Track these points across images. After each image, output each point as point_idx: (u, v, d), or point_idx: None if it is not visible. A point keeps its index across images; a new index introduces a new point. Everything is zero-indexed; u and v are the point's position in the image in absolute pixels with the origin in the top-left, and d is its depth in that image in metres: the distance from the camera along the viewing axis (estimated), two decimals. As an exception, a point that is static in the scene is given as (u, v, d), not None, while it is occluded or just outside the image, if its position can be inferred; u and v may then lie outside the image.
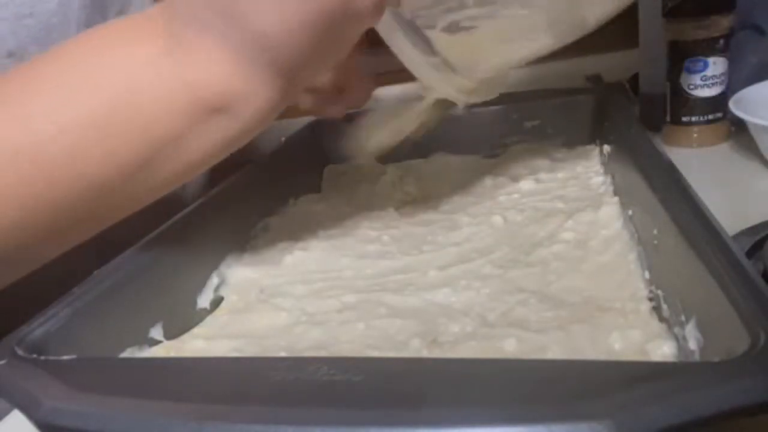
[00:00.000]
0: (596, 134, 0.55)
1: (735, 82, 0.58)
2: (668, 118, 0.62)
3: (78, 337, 0.31)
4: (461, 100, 0.42)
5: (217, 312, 0.40)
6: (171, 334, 0.36)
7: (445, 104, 0.45)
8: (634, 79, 0.67)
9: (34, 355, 0.28)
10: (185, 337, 0.37)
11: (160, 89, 0.30)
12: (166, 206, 0.55)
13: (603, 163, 0.51)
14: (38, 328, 0.30)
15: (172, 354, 0.35)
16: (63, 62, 0.31)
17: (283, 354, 0.34)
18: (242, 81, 0.30)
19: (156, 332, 0.36)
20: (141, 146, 0.31)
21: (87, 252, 0.41)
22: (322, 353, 0.33)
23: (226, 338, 0.36)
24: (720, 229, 0.28)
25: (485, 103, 0.59)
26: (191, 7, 0.29)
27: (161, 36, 0.30)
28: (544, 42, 0.40)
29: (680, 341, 0.29)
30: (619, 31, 0.72)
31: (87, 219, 0.33)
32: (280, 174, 0.54)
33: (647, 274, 0.35)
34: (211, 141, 0.32)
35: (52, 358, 0.28)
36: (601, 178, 0.49)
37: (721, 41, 0.57)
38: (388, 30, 0.38)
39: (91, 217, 0.33)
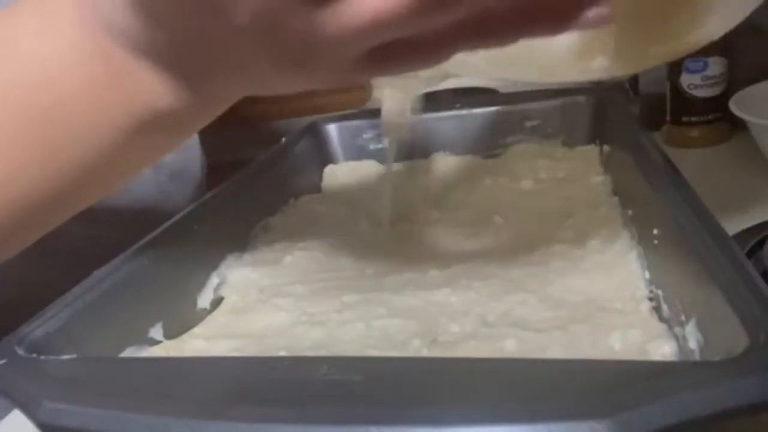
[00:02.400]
0: (596, 134, 0.55)
1: (735, 82, 0.58)
2: (668, 118, 0.62)
3: (78, 337, 0.31)
4: None
5: (217, 312, 0.40)
6: (171, 334, 0.36)
7: None
8: (634, 79, 0.67)
9: (34, 355, 0.28)
10: (185, 337, 0.37)
11: (92, 106, 0.28)
12: (163, 205, 0.55)
13: (603, 163, 0.51)
14: (38, 328, 0.30)
15: (172, 354, 0.35)
16: None
17: (283, 354, 0.34)
18: (170, 94, 0.28)
19: (156, 332, 0.36)
20: (73, 169, 0.29)
21: (86, 251, 0.41)
22: (322, 353, 0.33)
23: (226, 338, 0.36)
24: (720, 229, 0.28)
25: (485, 103, 0.59)
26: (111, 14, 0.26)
27: (79, 36, 0.27)
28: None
29: (680, 341, 0.29)
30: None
31: (21, 232, 0.32)
32: (280, 174, 0.54)
33: (647, 274, 0.35)
34: (145, 156, 0.31)
35: (52, 358, 0.28)
36: (601, 178, 0.48)
37: (721, 41, 0.57)
38: None
39: (26, 230, 0.32)
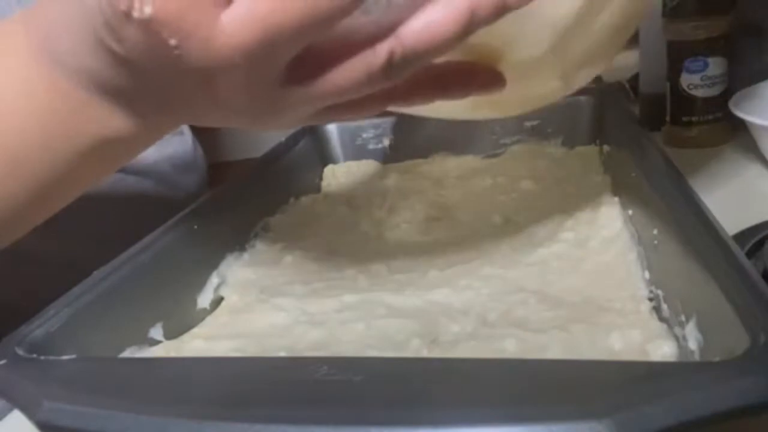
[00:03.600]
0: (596, 134, 0.55)
1: (735, 82, 0.58)
2: (668, 118, 0.62)
3: (78, 337, 0.31)
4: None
5: (217, 312, 0.40)
6: (171, 334, 0.36)
7: None
8: (634, 79, 0.67)
9: (34, 355, 0.28)
10: (185, 337, 0.37)
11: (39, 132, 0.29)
12: (162, 206, 0.55)
13: (603, 163, 0.51)
14: (38, 328, 0.30)
15: (172, 354, 0.35)
16: None
17: (283, 354, 0.34)
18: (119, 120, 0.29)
19: (156, 332, 0.36)
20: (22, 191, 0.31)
21: (85, 251, 0.41)
22: (322, 353, 0.33)
23: (226, 338, 0.36)
24: (720, 229, 0.28)
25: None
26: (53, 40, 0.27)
27: (29, 62, 0.28)
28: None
29: (680, 341, 0.29)
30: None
31: None
32: (280, 174, 0.54)
33: (647, 274, 0.35)
34: (94, 174, 0.33)
35: (52, 358, 0.28)
36: (601, 178, 0.49)
37: (721, 41, 0.57)
38: None
39: None
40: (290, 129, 0.29)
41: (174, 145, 0.63)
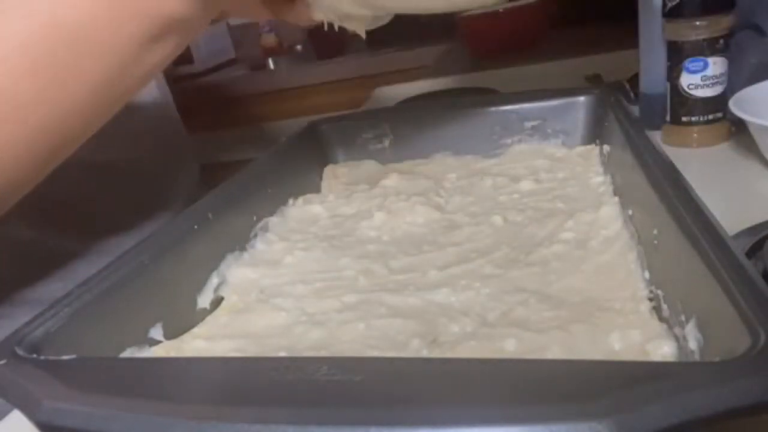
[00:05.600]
0: (596, 134, 0.55)
1: (735, 82, 0.58)
2: (668, 118, 0.62)
3: (78, 337, 0.31)
4: None
5: (217, 312, 0.40)
6: (171, 334, 0.36)
7: None
8: (634, 79, 0.67)
9: (34, 355, 0.28)
10: (185, 337, 0.37)
11: (105, 21, 0.30)
12: (158, 203, 0.55)
13: (603, 163, 0.51)
14: (38, 328, 0.30)
15: (172, 354, 0.35)
16: None
17: (283, 354, 0.34)
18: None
19: (156, 332, 0.36)
20: (91, 78, 0.31)
21: (84, 250, 0.42)
22: (322, 353, 0.33)
23: (226, 338, 0.36)
24: (720, 229, 0.28)
25: (485, 103, 0.59)
26: None
27: None
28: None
29: (680, 341, 0.29)
30: (619, 31, 0.73)
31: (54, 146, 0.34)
32: (280, 174, 0.54)
33: (647, 274, 0.35)
34: (156, 62, 0.33)
35: (52, 358, 0.28)
36: (601, 178, 0.49)
37: (721, 41, 0.57)
38: None
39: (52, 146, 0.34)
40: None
41: (169, 144, 0.63)
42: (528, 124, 0.58)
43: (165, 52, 0.33)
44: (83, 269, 0.38)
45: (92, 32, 0.30)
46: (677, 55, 0.59)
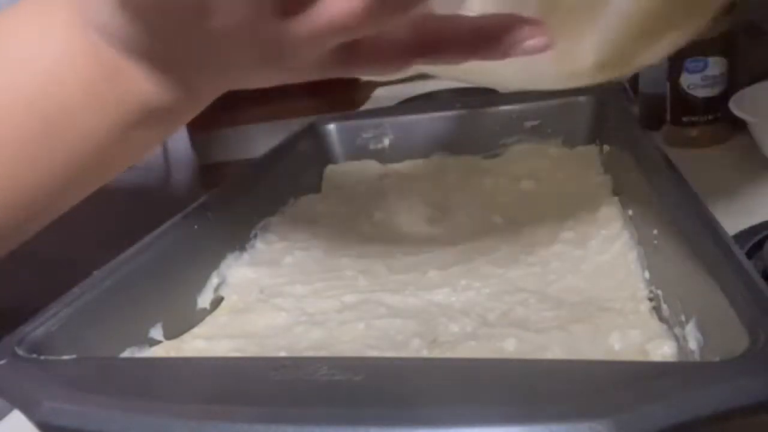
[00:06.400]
0: (596, 134, 0.55)
1: (735, 82, 0.58)
2: (668, 118, 0.62)
3: (78, 337, 0.31)
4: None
5: (217, 312, 0.40)
6: (171, 334, 0.36)
7: None
8: (634, 79, 0.67)
9: (34, 355, 0.28)
10: (185, 337, 0.37)
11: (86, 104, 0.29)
12: (159, 205, 0.55)
13: (603, 163, 0.51)
14: (38, 328, 0.30)
15: (172, 354, 0.35)
16: None
17: (283, 354, 0.34)
18: (161, 88, 0.29)
19: (156, 332, 0.36)
20: (67, 165, 0.30)
21: (84, 251, 0.41)
22: (322, 353, 0.33)
23: (226, 338, 0.36)
24: (720, 229, 0.28)
25: (485, 103, 0.59)
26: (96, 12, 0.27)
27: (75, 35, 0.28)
28: None
29: (680, 341, 0.29)
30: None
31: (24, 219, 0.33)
32: (280, 174, 0.54)
33: (647, 274, 0.35)
34: (137, 148, 0.33)
35: (52, 358, 0.28)
36: (601, 178, 0.48)
37: (721, 41, 0.57)
38: None
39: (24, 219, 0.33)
40: (309, 77, 0.29)
41: (170, 144, 0.63)
42: (528, 124, 0.57)
43: (147, 138, 0.32)
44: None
45: (65, 116, 0.29)
46: (677, 55, 0.59)
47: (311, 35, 0.24)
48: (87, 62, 0.28)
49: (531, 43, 0.26)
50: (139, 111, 0.29)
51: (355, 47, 0.27)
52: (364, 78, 0.41)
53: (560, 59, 0.29)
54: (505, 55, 0.26)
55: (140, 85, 0.28)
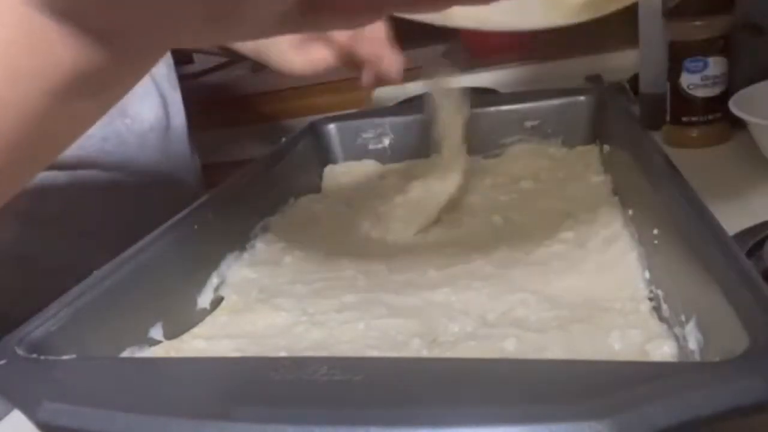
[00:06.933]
0: (596, 134, 0.55)
1: (735, 82, 0.58)
2: (668, 118, 0.62)
3: (78, 337, 0.31)
4: None
5: (217, 312, 0.40)
6: (171, 334, 0.36)
7: None
8: (634, 79, 0.67)
9: (34, 355, 0.28)
10: (185, 337, 0.37)
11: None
12: (160, 205, 0.55)
13: (603, 163, 0.51)
14: (38, 328, 0.30)
15: (172, 354, 0.35)
16: None
17: (283, 354, 0.34)
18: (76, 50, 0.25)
19: (156, 332, 0.36)
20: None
21: (84, 251, 0.41)
22: (322, 353, 0.33)
23: (226, 338, 0.36)
24: (720, 229, 0.28)
25: (485, 103, 0.59)
26: None
27: None
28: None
29: (680, 341, 0.29)
30: (619, 31, 0.73)
31: None
32: (280, 174, 0.54)
33: (647, 274, 0.35)
34: (77, 119, 0.29)
35: (52, 358, 0.28)
36: (601, 178, 0.49)
37: (721, 41, 0.57)
38: None
39: None
40: (267, 35, 0.25)
41: (171, 144, 0.63)
42: (528, 124, 0.58)
43: (85, 110, 0.29)
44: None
45: None
46: (677, 55, 0.59)
47: None
48: (8, 26, 0.25)
49: None
50: (69, 78, 0.26)
51: None
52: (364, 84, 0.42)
53: None
54: None
55: (64, 49, 0.25)
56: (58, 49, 0.26)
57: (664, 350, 0.29)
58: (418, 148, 0.59)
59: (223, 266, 0.43)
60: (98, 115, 0.31)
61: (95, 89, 0.28)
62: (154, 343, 0.35)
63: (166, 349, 0.35)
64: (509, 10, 0.28)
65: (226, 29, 0.24)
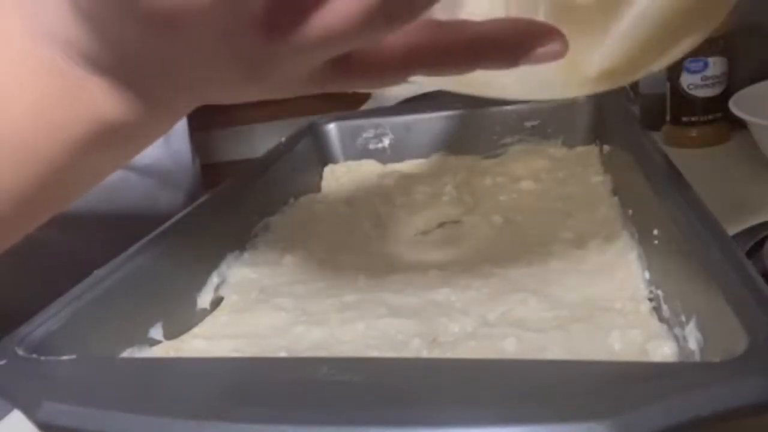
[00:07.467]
0: (596, 134, 0.55)
1: (735, 82, 0.58)
2: (668, 118, 0.62)
3: (78, 337, 0.31)
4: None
5: (217, 312, 0.40)
6: (171, 334, 0.36)
7: None
8: (634, 79, 0.67)
9: (34, 356, 0.28)
10: (185, 337, 0.37)
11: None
12: (159, 205, 0.55)
13: (603, 163, 0.51)
14: (38, 328, 0.30)
15: (172, 354, 0.35)
16: None
17: (283, 354, 0.34)
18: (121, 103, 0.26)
19: (156, 332, 0.36)
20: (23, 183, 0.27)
21: (84, 251, 0.41)
22: (322, 353, 0.33)
23: (226, 338, 0.36)
24: (720, 229, 0.28)
25: (485, 103, 0.59)
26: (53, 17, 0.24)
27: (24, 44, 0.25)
28: None
29: (680, 341, 0.29)
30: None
31: None
32: (280, 174, 0.54)
33: (647, 274, 0.35)
34: (98, 168, 0.30)
35: (52, 358, 0.28)
36: (601, 178, 0.49)
37: (721, 41, 0.57)
38: None
39: None
40: (295, 93, 0.26)
41: (171, 144, 0.63)
42: (528, 124, 0.58)
43: (109, 157, 0.29)
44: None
45: (13, 135, 0.26)
46: (677, 55, 0.59)
47: (300, 50, 0.21)
48: (42, 76, 0.25)
49: (544, 50, 0.23)
50: (99, 129, 0.26)
51: (345, 60, 0.24)
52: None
53: (565, 68, 0.26)
54: (513, 63, 0.23)
55: (100, 102, 0.26)
56: (97, 102, 0.26)
57: (664, 350, 0.29)
58: (418, 148, 0.59)
59: (224, 266, 0.43)
60: (117, 166, 0.31)
61: (122, 141, 0.28)
62: (154, 343, 0.35)
63: (166, 349, 0.35)
64: (528, 81, 0.28)
65: (257, 87, 0.24)
